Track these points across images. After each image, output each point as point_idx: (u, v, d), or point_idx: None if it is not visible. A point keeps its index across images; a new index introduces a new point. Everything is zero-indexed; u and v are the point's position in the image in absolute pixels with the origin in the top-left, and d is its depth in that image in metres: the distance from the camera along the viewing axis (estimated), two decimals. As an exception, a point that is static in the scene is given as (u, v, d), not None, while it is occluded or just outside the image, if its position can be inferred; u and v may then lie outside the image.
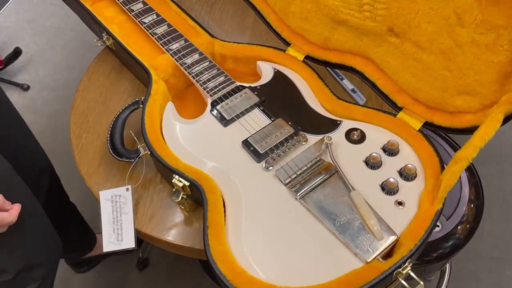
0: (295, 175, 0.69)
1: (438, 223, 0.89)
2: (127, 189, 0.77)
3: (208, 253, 0.62)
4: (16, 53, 1.96)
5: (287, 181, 0.68)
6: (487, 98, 0.63)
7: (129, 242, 0.75)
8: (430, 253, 0.85)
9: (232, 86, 0.81)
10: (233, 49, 0.90)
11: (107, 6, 1.01)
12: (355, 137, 0.74)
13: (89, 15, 0.97)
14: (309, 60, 0.85)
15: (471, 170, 0.97)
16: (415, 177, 0.69)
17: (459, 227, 0.89)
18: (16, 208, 0.69)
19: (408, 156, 0.71)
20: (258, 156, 0.71)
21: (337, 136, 0.74)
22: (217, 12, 1.11)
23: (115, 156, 0.78)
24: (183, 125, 0.78)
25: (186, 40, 0.89)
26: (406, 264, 0.60)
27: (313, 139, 0.74)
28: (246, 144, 0.73)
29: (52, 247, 0.89)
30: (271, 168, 0.70)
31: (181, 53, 0.86)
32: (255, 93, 0.80)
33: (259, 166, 0.71)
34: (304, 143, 0.73)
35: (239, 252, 0.62)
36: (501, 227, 1.40)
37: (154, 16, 0.93)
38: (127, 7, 0.95)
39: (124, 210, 0.76)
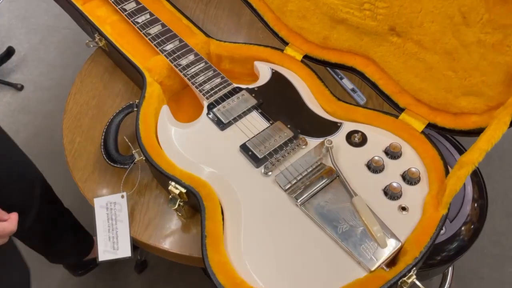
0: (295, 181, 0.67)
1: (442, 226, 0.87)
2: (122, 196, 0.75)
3: (207, 264, 0.60)
4: (9, 52, 1.93)
5: (287, 187, 0.66)
6: (493, 99, 0.60)
7: (125, 251, 0.73)
8: (434, 256, 0.83)
9: (229, 88, 0.79)
10: (229, 49, 0.87)
11: (99, 6, 0.98)
12: (356, 139, 0.71)
13: (81, 15, 0.94)
14: (308, 60, 0.83)
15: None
16: (418, 181, 0.67)
17: (463, 228, 0.87)
18: (13, 217, 0.66)
19: (411, 159, 0.69)
20: (256, 161, 0.69)
21: (338, 139, 0.72)
22: (212, 10, 1.08)
23: (110, 162, 0.76)
24: (179, 129, 0.75)
25: (181, 41, 0.86)
26: (411, 272, 0.58)
27: (313, 142, 0.72)
28: (244, 148, 0.71)
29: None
30: (270, 173, 0.68)
31: (176, 54, 0.84)
32: (253, 95, 0.78)
33: (258, 171, 0.69)
34: (304, 146, 0.71)
35: (238, 262, 0.60)
36: (503, 224, 1.39)
37: (148, 16, 0.90)
38: (119, 6, 0.93)
39: (119, 217, 0.74)
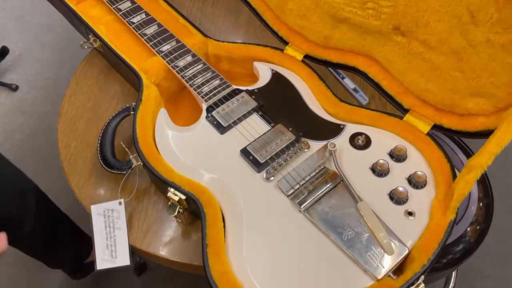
0: (298, 186, 0.65)
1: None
2: (120, 203, 0.73)
3: (208, 274, 0.58)
4: (3, 52, 1.90)
5: (289, 193, 0.64)
6: (502, 100, 0.59)
7: (123, 259, 0.71)
8: (440, 260, 0.81)
9: (228, 90, 0.77)
10: (228, 49, 0.85)
11: (93, 5, 0.95)
12: (360, 142, 0.70)
13: (74, 15, 0.91)
14: (309, 59, 0.81)
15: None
16: (425, 184, 0.65)
17: (468, 229, 0.85)
18: (3, 237, 0.65)
19: (416, 162, 0.67)
20: (258, 165, 0.67)
21: (341, 141, 0.70)
22: (209, 8, 1.06)
23: (106, 168, 0.74)
24: (177, 133, 0.73)
25: (178, 41, 0.84)
26: (419, 281, 0.56)
27: (315, 145, 0.70)
28: (245, 153, 0.69)
29: None
30: (272, 178, 0.66)
31: (173, 55, 0.81)
32: (253, 97, 0.76)
33: (259, 176, 0.67)
34: (306, 150, 0.69)
35: (241, 272, 0.58)
36: (506, 221, 1.37)
37: (143, 16, 0.88)
38: (114, 6, 0.90)
39: (117, 225, 0.72)
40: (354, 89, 0.88)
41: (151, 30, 0.85)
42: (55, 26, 2.08)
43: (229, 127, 0.72)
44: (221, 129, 0.72)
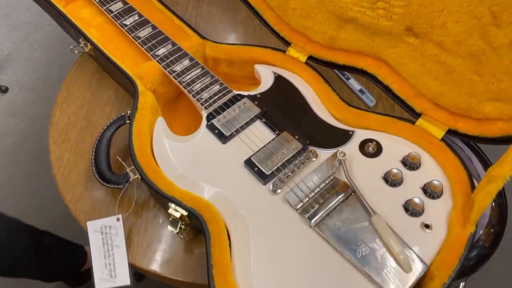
0: (307, 199, 0.61)
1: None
2: (118, 219, 0.69)
3: (215, 297, 0.54)
4: (-9, 52, 1.84)
5: (298, 206, 0.60)
6: (523, 105, 0.55)
7: (123, 279, 0.67)
8: (453, 267, 0.78)
9: (229, 96, 0.73)
10: (226, 51, 0.81)
11: (83, 7, 0.90)
12: (371, 149, 0.66)
13: (63, 17, 0.86)
14: (313, 61, 0.77)
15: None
16: (441, 194, 0.61)
17: (481, 232, 0.82)
18: None
19: (431, 170, 0.64)
20: (263, 177, 0.63)
21: (350, 149, 0.66)
22: (205, 7, 1.01)
23: (102, 182, 0.70)
24: (176, 144, 0.69)
25: (173, 44, 0.79)
26: (440, 300, 0.53)
27: (324, 154, 0.66)
28: (249, 164, 0.65)
29: None
30: (279, 191, 0.62)
31: (169, 59, 0.77)
32: (255, 102, 0.72)
33: (265, 189, 0.63)
34: (314, 159, 0.65)
35: (249, 294, 0.55)
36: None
37: (136, 17, 0.83)
38: (105, 7, 0.85)
39: (115, 242, 0.68)
40: (360, 91, 0.84)
41: (145, 32, 0.81)
42: (44, 24, 2.01)
43: (232, 136, 0.68)
44: (223, 138, 0.68)
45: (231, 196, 0.63)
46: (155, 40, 0.79)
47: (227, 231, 0.61)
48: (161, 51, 0.78)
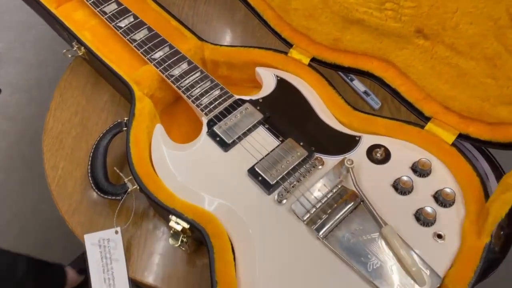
0: (314, 209, 0.58)
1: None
2: (116, 232, 0.66)
3: (220, 316, 0.52)
4: (-18, 53, 1.80)
5: (305, 217, 0.58)
6: (541, 110, 0.52)
7: (123, 294, 0.64)
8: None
9: (230, 101, 0.70)
10: (226, 53, 0.78)
11: (76, 8, 0.87)
12: (379, 155, 0.63)
13: (55, 20, 0.83)
14: (316, 63, 0.74)
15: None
16: (453, 202, 0.59)
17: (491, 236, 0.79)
18: None
19: (442, 177, 0.61)
20: (268, 187, 0.60)
21: (358, 155, 0.64)
22: (202, 6, 0.98)
23: (99, 193, 0.67)
24: (176, 152, 0.66)
25: (171, 47, 0.76)
26: (456, 316, 0.50)
27: (330, 161, 0.63)
28: (252, 173, 0.62)
29: None
30: (284, 201, 0.60)
31: (167, 63, 0.74)
32: (258, 108, 0.69)
33: (270, 199, 0.60)
34: (320, 167, 0.63)
35: (256, 312, 0.52)
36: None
37: (131, 19, 0.80)
38: (98, 9, 0.82)
39: (114, 256, 0.66)
40: (365, 92, 0.81)
41: (140, 35, 0.78)
42: (36, 23, 1.97)
43: (234, 143, 0.65)
44: (224, 146, 0.65)
45: (234, 207, 0.60)
46: (152, 43, 0.76)
47: (231, 244, 0.58)
48: (158, 54, 0.75)
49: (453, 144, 0.63)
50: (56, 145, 0.78)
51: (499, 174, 0.81)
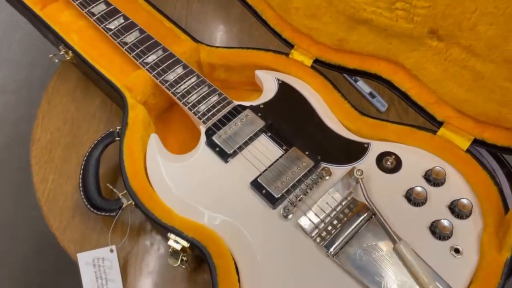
0: (322, 224, 0.55)
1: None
2: (111, 250, 0.62)
3: None
4: (-33, 54, 1.73)
5: (313, 233, 0.54)
6: None
7: (120, 317, 0.60)
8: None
9: (229, 108, 0.66)
10: (223, 56, 0.73)
11: (62, 9, 0.82)
12: (389, 163, 0.60)
13: (40, 22, 0.78)
14: (319, 64, 0.70)
15: (499, 159, 0.82)
16: (470, 213, 0.55)
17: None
18: None
19: (457, 186, 0.58)
20: (273, 201, 0.57)
21: (367, 164, 0.60)
22: (195, 4, 0.93)
23: (92, 210, 0.63)
24: (173, 164, 0.62)
25: (164, 49, 0.71)
26: (479, 338, 0.47)
27: (338, 171, 0.59)
28: (256, 185, 0.58)
29: None
30: (291, 216, 0.56)
31: (160, 67, 0.69)
32: (259, 114, 0.65)
33: (275, 213, 0.57)
34: (327, 177, 0.59)
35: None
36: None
37: (122, 20, 0.75)
38: (85, 10, 0.77)
39: (110, 276, 0.62)
40: (370, 94, 0.77)
41: (132, 37, 0.73)
42: (23, 22, 1.89)
43: (234, 153, 0.61)
44: (224, 156, 0.61)
45: (236, 223, 0.56)
46: (144, 46, 0.72)
47: (235, 263, 0.54)
48: (151, 58, 0.71)
49: (468, 151, 0.59)
50: (45, 156, 0.74)
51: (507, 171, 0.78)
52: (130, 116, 0.67)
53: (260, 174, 0.59)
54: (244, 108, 0.65)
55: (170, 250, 0.57)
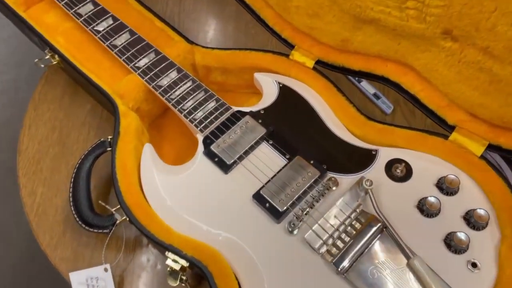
0: (331, 239, 0.51)
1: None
2: (106, 270, 0.59)
3: None
4: (-49, 55, 1.68)
5: (322, 250, 0.51)
6: None
7: None
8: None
9: (228, 114, 0.62)
10: (220, 58, 0.69)
11: (47, 10, 0.77)
12: (399, 172, 0.56)
13: (24, 24, 0.74)
14: (322, 66, 0.66)
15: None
16: (486, 224, 0.52)
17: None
18: None
19: (472, 195, 0.54)
20: (277, 215, 0.53)
21: (376, 172, 0.56)
22: (188, 1, 0.88)
23: (84, 226, 0.59)
24: (169, 177, 0.58)
25: (157, 52, 0.67)
26: None
27: (345, 181, 0.56)
28: (258, 199, 0.54)
29: None
30: (296, 230, 0.53)
31: (153, 72, 0.65)
32: (259, 121, 0.61)
33: (279, 228, 0.53)
34: (334, 188, 0.56)
35: None
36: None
37: (110, 21, 0.71)
38: (72, 10, 0.72)
39: (105, 297, 0.58)
40: (375, 95, 0.73)
41: (122, 39, 0.69)
42: (8, 21, 1.85)
43: (235, 163, 0.58)
44: (224, 167, 0.57)
45: (239, 240, 0.53)
46: (135, 49, 0.67)
47: (238, 282, 0.51)
48: (143, 61, 0.66)
49: (482, 157, 0.56)
50: (32, 167, 0.70)
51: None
52: (122, 125, 0.63)
53: (263, 186, 0.55)
54: (243, 114, 0.62)
55: (168, 269, 0.54)
